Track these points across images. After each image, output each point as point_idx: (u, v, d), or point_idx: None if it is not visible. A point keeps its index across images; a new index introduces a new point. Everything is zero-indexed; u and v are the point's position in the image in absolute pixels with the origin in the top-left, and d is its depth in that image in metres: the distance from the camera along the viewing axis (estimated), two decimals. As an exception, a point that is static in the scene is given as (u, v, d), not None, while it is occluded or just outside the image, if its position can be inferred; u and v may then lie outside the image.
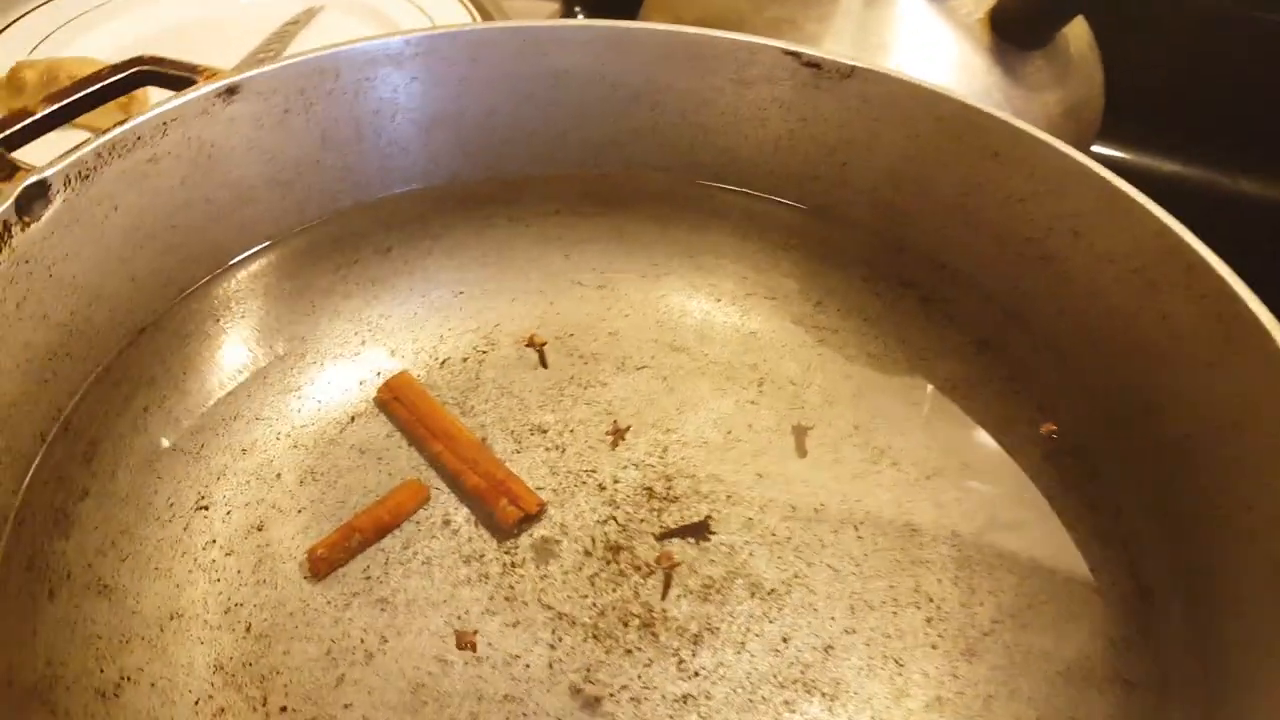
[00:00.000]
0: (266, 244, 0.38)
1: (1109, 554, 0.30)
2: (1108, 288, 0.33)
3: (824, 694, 0.27)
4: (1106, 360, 0.33)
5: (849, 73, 0.37)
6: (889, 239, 0.39)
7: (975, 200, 0.36)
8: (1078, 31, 0.44)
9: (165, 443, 0.31)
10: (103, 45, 0.59)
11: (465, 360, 0.35)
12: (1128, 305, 0.32)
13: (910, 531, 0.31)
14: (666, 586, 0.29)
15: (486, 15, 0.60)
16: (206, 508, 0.30)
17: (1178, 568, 0.29)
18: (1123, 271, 0.32)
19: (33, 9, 0.61)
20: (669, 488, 0.31)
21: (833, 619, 0.28)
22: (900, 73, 0.36)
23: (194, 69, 0.33)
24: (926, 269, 0.39)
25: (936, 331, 0.37)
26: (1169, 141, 0.60)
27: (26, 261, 0.29)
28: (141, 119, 0.31)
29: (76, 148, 0.30)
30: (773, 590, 0.29)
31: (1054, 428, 0.33)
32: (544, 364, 0.35)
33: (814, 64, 0.37)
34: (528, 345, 0.36)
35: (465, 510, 0.31)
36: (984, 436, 0.34)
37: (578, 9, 0.64)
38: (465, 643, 0.27)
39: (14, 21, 0.60)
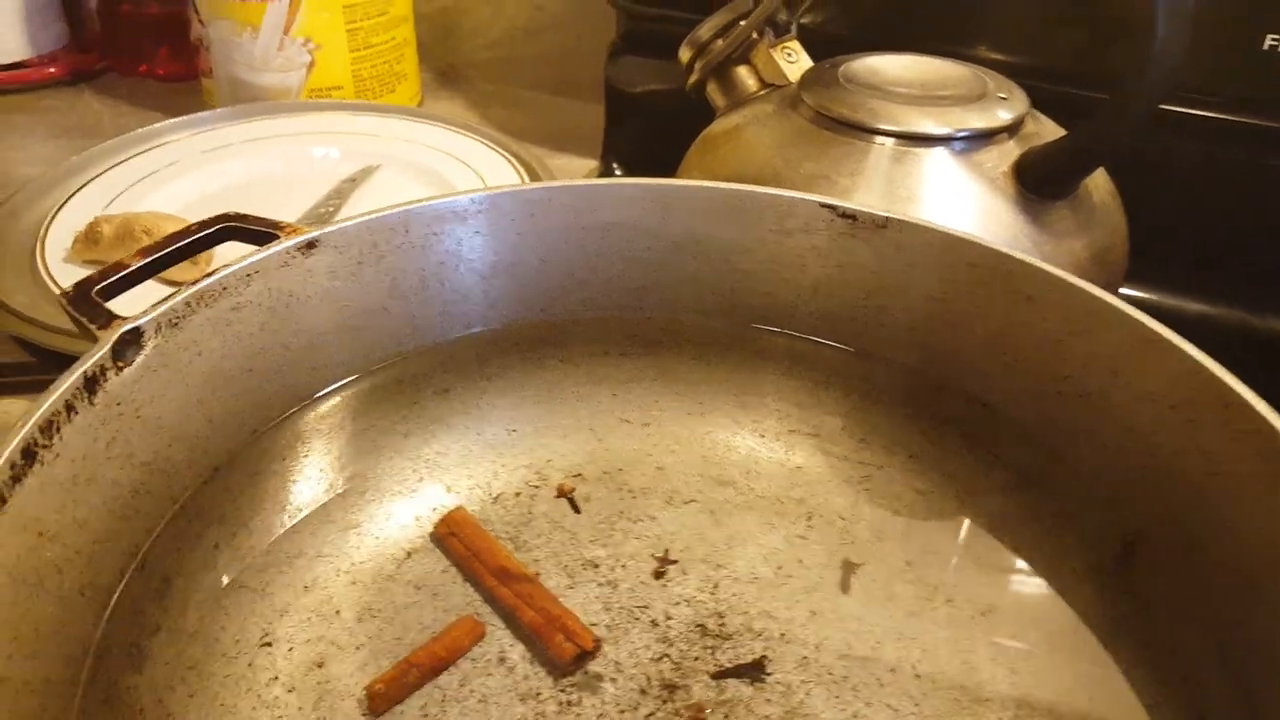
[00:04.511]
0: (334, 386, 0.40)
1: (1167, 691, 0.30)
2: (1147, 425, 0.33)
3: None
4: (1150, 497, 0.34)
5: (884, 223, 0.39)
6: (929, 378, 0.41)
7: (1011, 341, 0.37)
8: (1099, 181, 0.46)
9: (233, 580, 0.32)
10: (173, 200, 0.63)
11: (518, 495, 0.36)
12: (1168, 443, 0.33)
13: (968, 670, 0.30)
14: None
15: (533, 173, 0.64)
16: (270, 644, 0.31)
17: (1238, 702, 0.29)
18: (1161, 409, 0.33)
19: (111, 167, 0.65)
20: (722, 625, 0.32)
21: (895, 760, 0.28)
22: (932, 222, 0.38)
23: (276, 225, 0.36)
24: (968, 407, 0.40)
25: (982, 468, 0.37)
26: (1195, 282, 0.60)
27: (118, 404, 0.31)
28: (228, 271, 0.34)
29: (168, 297, 0.32)
30: (831, 730, 0.29)
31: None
32: (576, 510, 0.36)
33: (850, 215, 0.39)
34: (558, 496, 0.36)
35: (521, 647, 0.31)
36: (1035, 573, 0.34)
37: (616, 168, 0.68)
38: (524, 783, 0.27)
39: (93, 179, 0.64)
